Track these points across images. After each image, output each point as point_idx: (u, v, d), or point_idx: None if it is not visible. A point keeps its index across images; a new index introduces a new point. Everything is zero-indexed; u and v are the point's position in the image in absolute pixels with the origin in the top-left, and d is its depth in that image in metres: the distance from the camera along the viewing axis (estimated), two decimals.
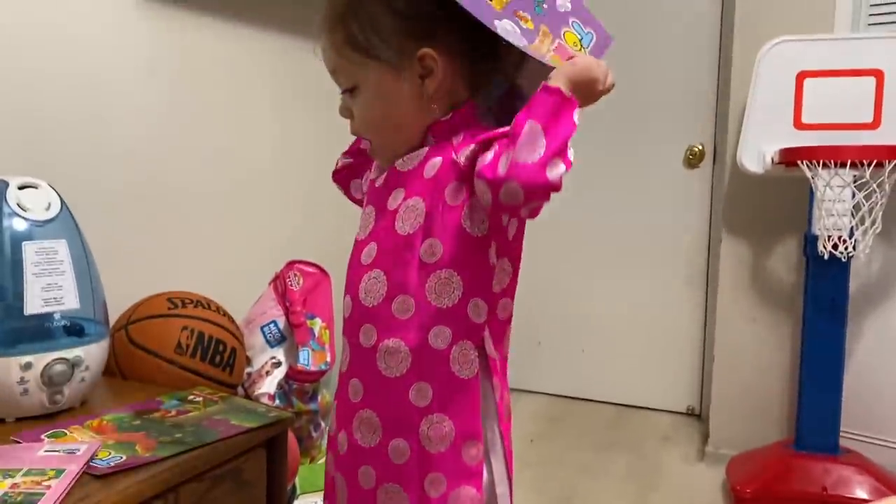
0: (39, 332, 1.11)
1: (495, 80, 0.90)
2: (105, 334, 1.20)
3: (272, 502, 1.17)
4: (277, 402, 1.63)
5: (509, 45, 0.81)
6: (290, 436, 1.32)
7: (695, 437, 2.74)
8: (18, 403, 1.07)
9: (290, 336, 1.72)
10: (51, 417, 1.11)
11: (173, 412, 1.14)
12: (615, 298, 3.08)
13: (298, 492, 1.57)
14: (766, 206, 2.42)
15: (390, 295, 0.86)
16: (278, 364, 1.68)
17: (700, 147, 2.86)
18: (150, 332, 1.34)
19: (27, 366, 1.07)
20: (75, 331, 1.15)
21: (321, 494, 1.57)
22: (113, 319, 1.34)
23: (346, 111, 0.90)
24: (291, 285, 1.74)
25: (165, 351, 1.32)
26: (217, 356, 1.38)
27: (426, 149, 0.87)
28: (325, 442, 1.78)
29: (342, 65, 0.86)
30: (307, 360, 1.64)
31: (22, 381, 1.07)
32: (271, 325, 1.72)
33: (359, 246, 0.91)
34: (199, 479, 0.99)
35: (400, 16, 0.83)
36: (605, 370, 3.12)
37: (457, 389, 0.84)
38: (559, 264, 3.15)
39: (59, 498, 0.84)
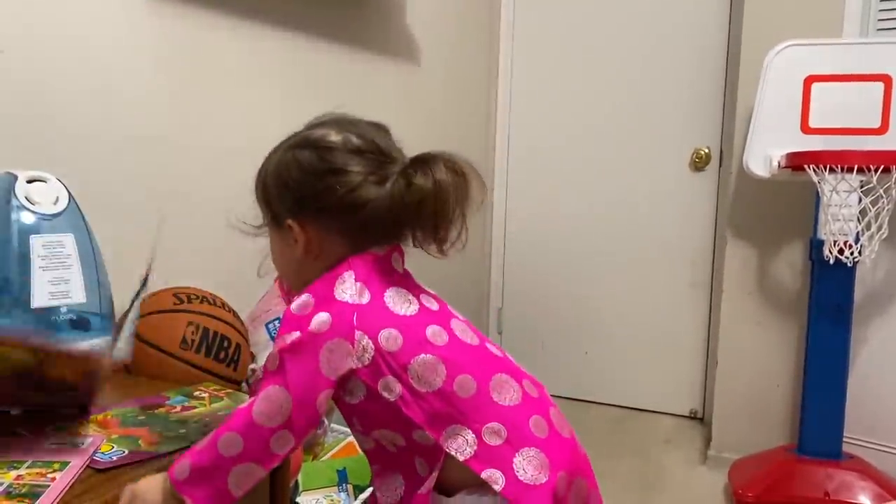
0: (46, 325, 1.12)
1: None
2: (111, 329, 1.20)
3: (275, 498, 1.17)
4: None
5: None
6: None
7: (697, 441, 2.74)
8: None
9: None
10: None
11: (178, 408, 1.15)
12: (619, 301, 3.09)
13: (301, 488, 1.57)
14: (772, 209, 2.42)
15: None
16: None
17: (706, 150, 2.85)
18: (156, 326, 1.35)
19: None
20: (81, 325, 1.16)
21: (323, 491, 1.58)
22: (119, 314, 1.34)
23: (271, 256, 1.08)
24: None
25: (170, 346, 1.33)
26: (222, 352, 1.38)
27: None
28: (327, 439, 1.78)
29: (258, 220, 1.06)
30: None
31: None
32: (276, 322, 1.73)
33: None
34: None
35: (279, 187, 0.98)
36: (608, 372, 3.12)
37: None
38: (562, 265, 3.15)
39: (62, 491, 0.85)
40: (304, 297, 0.89)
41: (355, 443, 1.60)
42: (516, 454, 0.85)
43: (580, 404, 3.09)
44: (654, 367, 3.04)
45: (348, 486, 1.59)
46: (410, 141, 1.01)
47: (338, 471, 1.60)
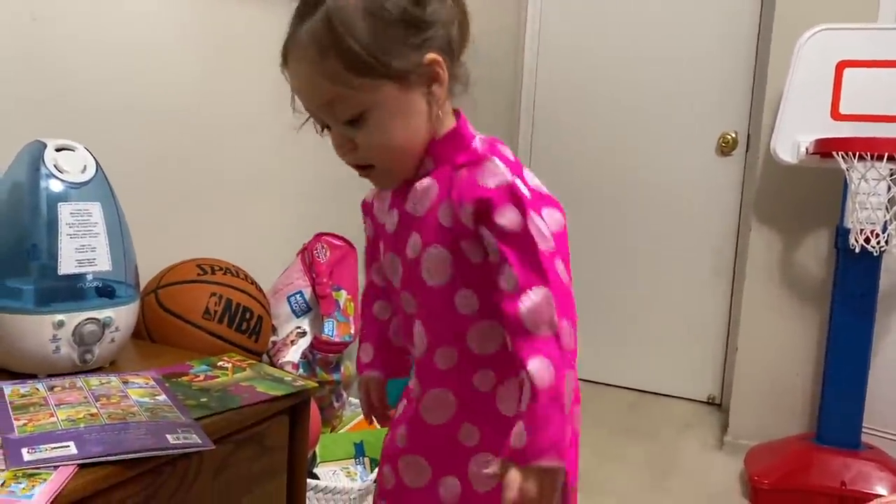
0: (72, 291, 1.14)
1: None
2: (135, 297, 1.22)
3: (293, 468, 1.19)
4: (301, 371, 1.65)
5: None
6: (313, 405, 1.34)
7: (714, 427, 2.74)
8: (50, 361, 1.10)
9: (315, 307, 1.74)
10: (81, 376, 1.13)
11: (201, 377, 1.16)
12: (640, 283, 3.07)
13: (318, 459, 1.60)
14: (798, 196, 2.39)
15: (432, 347, 0.86)
16: (303, 334, 1.70)
17: (733, 135, 2.82)
18: (180, 296, 1.36)
19: (59, 324, 1.09)
20: (107, 292, 1.18)
21: (340, 463, 1.60)
22: (143, 283, 1.36)
23: (347, 143, 0.82)
24: (318, 257, 1.76)
25: (193, 316, 1.35)
26: (244, 323, 1.40)
27: (431, 183, 0.83)
28: (345, 412, 1.81)
29: (343, 94, 0.78)
30: (332, 330, 1.66)
31: (54, 338, 1.09)
32: (297, 296, 1.74)
33: (396, 292, 0.91)
34: (223, 442, 1.00)
35: (398, 25, 0.77)
36: (627, 356, 3.12)
37: (505, 429, 0.78)
38: (583, 247, 3.14)
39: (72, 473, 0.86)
40: (510, 179, 0.76)
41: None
42: None
43: (596, 387, 3.10)
44: (673, 351, 3.03)
45: (365, 458, 1.61)
46: None
47: (355, 444, 1.63)
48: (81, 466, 0.83)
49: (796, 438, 2.30)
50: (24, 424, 0.90)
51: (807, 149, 2.11)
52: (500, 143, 0.86)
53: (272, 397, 1.12)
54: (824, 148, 2.05)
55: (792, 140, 2.15)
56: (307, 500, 1.26)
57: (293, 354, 1.66)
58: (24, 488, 0.75)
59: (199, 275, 1.41)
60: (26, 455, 0.82)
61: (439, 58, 0.79)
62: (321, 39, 0.76)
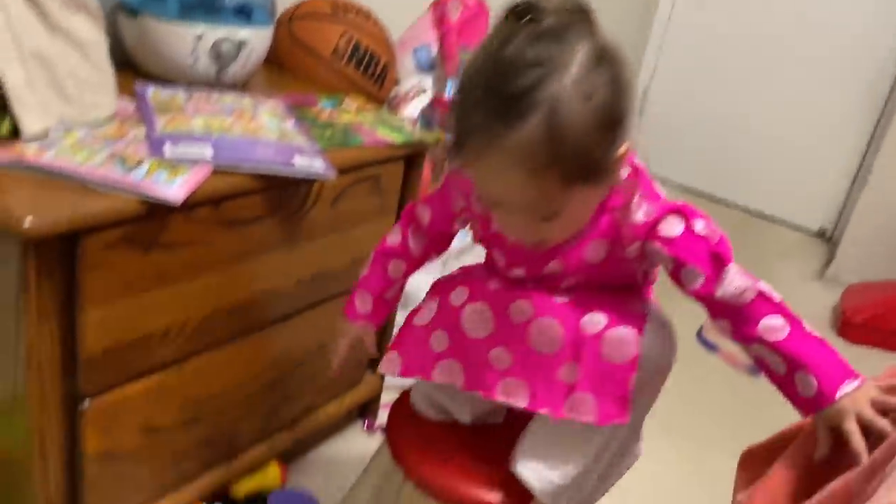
0: (212, 8, 1.15)
1: None
2: (270, 22, 1.23)
3: (401, 211, 1.24)
4: (419, 127, 1.66)
5: None
6: (426, 160, 1.36)
7: (818, 259, 2.68)
8: (189, 72, 1.14)
9: (440, 65, 1.71)
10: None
11: (326, 112, 1.19)
12: (771, 95, 2.86)
13: None
14: None
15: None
16: (424, 91, 1.69)
17: None
18: (312, 30, 1.36)
19: (199, 37, 1.11)
20: (245, 13, 1.19)
21: None
22: (279, 13, 1.36)
23: (531, 233, 0.79)
24: (450, 14, 1.70)
25: (323, 52, 1.35)
26: (370, 68, 1.39)
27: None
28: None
29: (548, 200, 0.74)
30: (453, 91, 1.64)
31: (193, 51, 1.12)
32: (423, 51, 1.71)
33: (514, 284, 0.88)
34: (343, 174, 1.05)
35: (613, 127, 0.72)
36: (741, 170, 2.99)
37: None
38: (711, 50, 2.92)
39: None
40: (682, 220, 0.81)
41: None
42: None
43: (703, 200, 2.99)
44: (793, 176, 2.89)
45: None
46: None
47: None
48: (215, 170, 0.88)
49: None
50: (165, 124, 0.95)
51: None
52: None
53: (392, 143, 1.15)
54: None
55: None
56: None
57: (412, 110, 1.66)
58: (166, 177, 0.81)
59: (332, 12, 1.40)
60: (168, 150, 0.87)
61: (629, 145, 0.76)
62: (540, 154, 0.69)
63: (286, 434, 1.22)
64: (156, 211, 0.81)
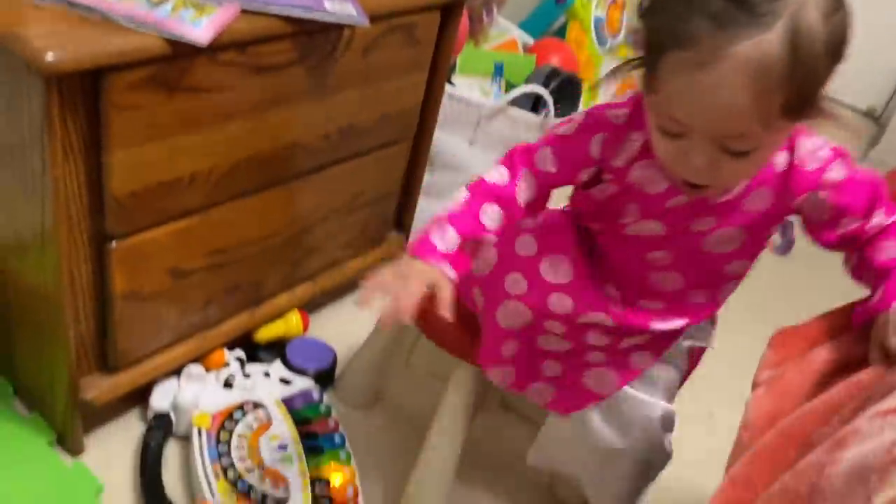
0: None
1: None
2: None
3: (436, 66, 1.19)
4: None
5: None
6: (463, 14, 1.29)
7: (863, 139, 2.58)
8: None
9: None
10: None
11: None
12: None
13: (457, 70, 1.59)
14: None
15: (686, 289, 0.86)
16: None
17: None
18: None
19: None
20: None
21: (477, 79, 1.60)
22: None
23: (713, 170, 0.68)
24: None
25: None
26: None
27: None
28: (493, 30, 1.76)
29: (757, 133, 0.64)
30: None
31: None
32: None
33: (643, 240, 0.83)
34: (376, 22, 0.99)
35: (836, 58, 0.64)
36: None
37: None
38: None
39: None
40: None
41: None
42: None
43: None
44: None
45: (502, 80, 1.60)
46: None
47: (495, 63, 1.60)
48: (243, 11, 0.84)
49: None
50: None
51: None
52: None
53: None
54: None
55: None
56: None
57: None
58: (192, 16, 0.77)
59: None
60: None
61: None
62: (774, 71, 0.60)
63: (308, 285, 1.23)
64: (181, 51, 0.78)
